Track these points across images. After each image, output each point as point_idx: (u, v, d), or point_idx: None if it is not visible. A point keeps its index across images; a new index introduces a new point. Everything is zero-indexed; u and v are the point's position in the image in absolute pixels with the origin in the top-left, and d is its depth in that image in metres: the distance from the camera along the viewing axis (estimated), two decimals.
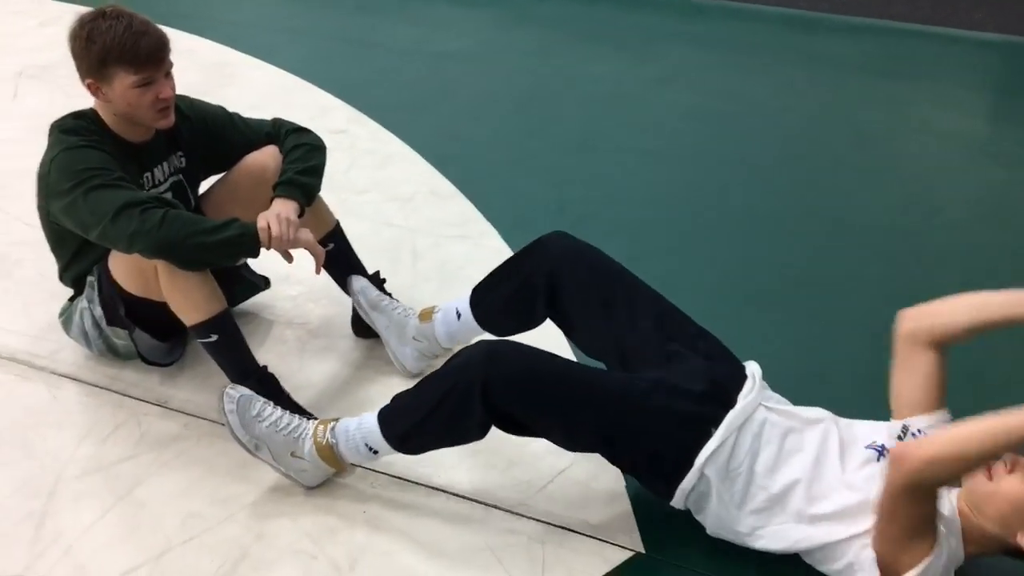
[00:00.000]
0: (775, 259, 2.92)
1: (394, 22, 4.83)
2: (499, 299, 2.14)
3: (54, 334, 2.38)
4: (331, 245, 2.38)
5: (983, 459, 1.58)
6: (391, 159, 3.47)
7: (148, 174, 2.19)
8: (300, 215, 2.11)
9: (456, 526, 1.96)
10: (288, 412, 2.00)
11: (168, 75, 2.07)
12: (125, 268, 2.11)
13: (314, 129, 2.34)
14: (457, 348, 2.07)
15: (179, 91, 2.15)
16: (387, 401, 1.94)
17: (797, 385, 2.06)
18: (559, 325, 2.13)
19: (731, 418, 1.79)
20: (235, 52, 4.33)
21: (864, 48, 4.63)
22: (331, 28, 4.79)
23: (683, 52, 4.54)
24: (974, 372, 2.20)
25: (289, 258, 2.06)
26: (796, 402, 1.94)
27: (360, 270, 2.46)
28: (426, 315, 2.27)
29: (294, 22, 4.90)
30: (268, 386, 2.15)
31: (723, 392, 1.84)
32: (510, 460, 2.09)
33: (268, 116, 2.37)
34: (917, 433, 1.77)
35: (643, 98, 4.02)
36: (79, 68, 2.04)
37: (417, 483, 2.05)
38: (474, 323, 2.17)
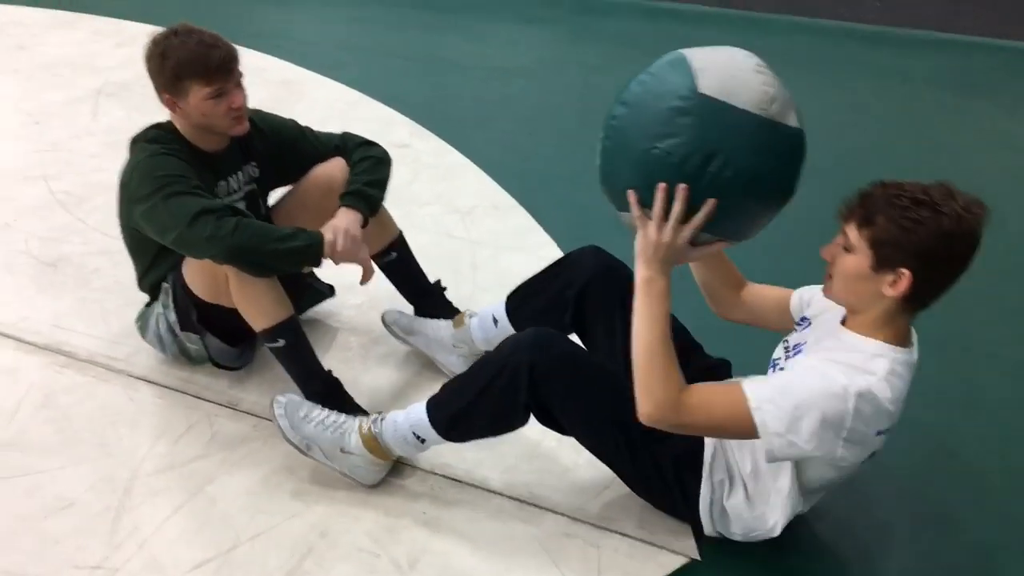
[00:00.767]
0: None
1: (458, 40, 4.92)
2: (533, 312, 2.18)
3: (131, 338, 2.48)
4: (394, 254, 2.45)
5: (658, 357, 1.65)
6: (452, 172, 3.54)
7: (223, 182, 2.28)
8: (364, 225, 2.19)
9: (513, 528, 2.00)
10: (335, 412, 2.08)
11: (239, 84, 2.16)
12: (198, 275, 2.20)
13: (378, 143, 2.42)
14: None
15: (250, 107, 2.24)
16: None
17: None
18: (581, 340, 2.15)
19: None
20: (303, 70, 4.45)
21: (932, 62, 4.59)
22: (395, 46, 4.90)
23: None
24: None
25: (365, 273, 2.17)
26: None
27: (421, 279, 2.52)
28: (459, 321, 2.36)
29: (359, 40, 5.01)
30: (332, 390, 2.23)
31: None
32: (566, 465, 2.13)
33: (335, 131, 2.46)
34: (792, 346, 1.83)
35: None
36: (156, 85, 2.14)
37: (476, 485, 2.10)
38: (512, 330, 2.22)
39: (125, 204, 2.19)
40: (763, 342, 1.94)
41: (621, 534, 1.98)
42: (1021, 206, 3.29)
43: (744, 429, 1.63)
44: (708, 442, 1.85)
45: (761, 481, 1.81)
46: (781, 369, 1.78)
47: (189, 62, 2.07)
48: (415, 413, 1.97)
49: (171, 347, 2.37)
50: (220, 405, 2.33)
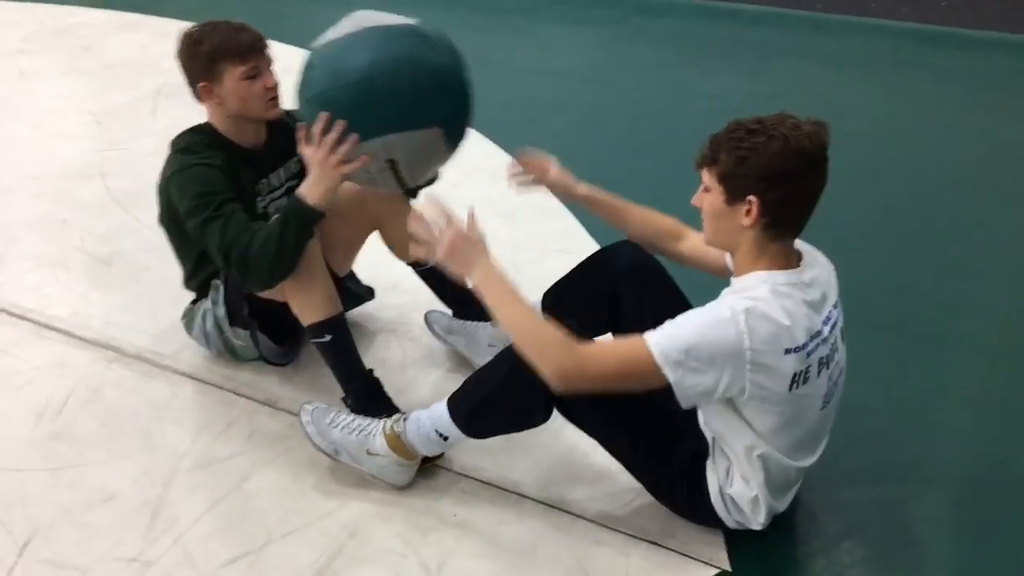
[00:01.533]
0: (896, 279, 2.85)
1: (508, 41, 4.91)
2: (568, 309, 2.15)
3: (177, 335, 2.52)
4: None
5: (528, 324, 1.75)
6: (500, 175, 3.53)
7: (264, 180, 2.32)
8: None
9: (543, 534, 1.99)
10: (360, 415, 2.10)
11: (270, 67, 2.21)
12: None
13: None
14: None
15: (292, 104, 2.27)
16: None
17: (899, 407, 2.00)
18: (614, 335, 2.12)
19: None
20: None
21: (996, 63, 4.44)
22: None
23: (802, 68, 4.45)
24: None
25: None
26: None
27: (461, 280, 2.52)
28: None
29: None
30: (373, 389, 2.25)
31: None
32: (598, 473, 2.11)
33: None
34: None
35: (757, 115, 3.96)
36: (191, 75, 2.20)
37: (507, 490, 2.09)
38: None
39: (166, 211, 2.25)
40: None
41: (652, 543, 1.96)
42: None
43: (648, 371, 1.64)
44: (708, 435, 1.84)
45: (740, 457, 1.79)
46: None
47: (223, 44, 2.14)
48: (437, 410, 1.98)
49: (216, 343, 2.41)
50: (260, 403, 2.36)
